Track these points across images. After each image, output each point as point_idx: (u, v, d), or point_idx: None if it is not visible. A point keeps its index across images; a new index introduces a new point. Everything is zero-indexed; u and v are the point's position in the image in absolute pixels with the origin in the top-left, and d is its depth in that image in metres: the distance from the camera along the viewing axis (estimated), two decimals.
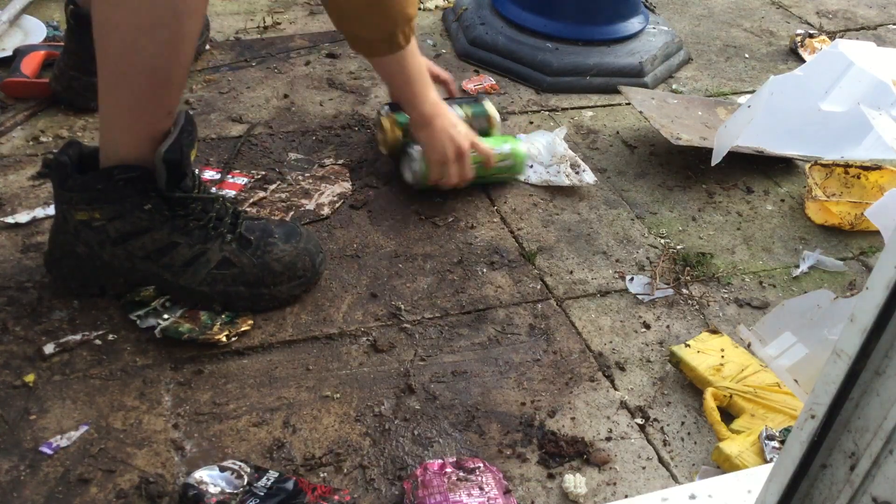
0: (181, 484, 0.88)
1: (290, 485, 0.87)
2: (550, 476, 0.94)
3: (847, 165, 1.47)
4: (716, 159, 1.41)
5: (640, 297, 1.21)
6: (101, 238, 1.04)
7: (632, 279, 1.24)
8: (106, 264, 1.06)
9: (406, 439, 0.97)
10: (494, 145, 1.36)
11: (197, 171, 1.09)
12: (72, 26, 1.39)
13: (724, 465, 0.95)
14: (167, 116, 1.02)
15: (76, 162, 1.03)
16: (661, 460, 0.98)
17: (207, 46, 1.70)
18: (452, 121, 1.29)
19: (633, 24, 1.81)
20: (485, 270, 1.23)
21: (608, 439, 1.00)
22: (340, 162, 1.42)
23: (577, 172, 1.42)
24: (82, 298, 1.09)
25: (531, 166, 1.44)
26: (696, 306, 1.21)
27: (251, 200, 1.30)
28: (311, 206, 1.31)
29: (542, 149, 1.45)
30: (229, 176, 1.35)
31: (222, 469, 0.87)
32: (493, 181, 1.40)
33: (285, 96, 1.59)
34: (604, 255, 1.29)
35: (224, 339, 1.05)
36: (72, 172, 1.02)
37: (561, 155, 1.44)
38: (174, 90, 1.01)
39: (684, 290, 1.24)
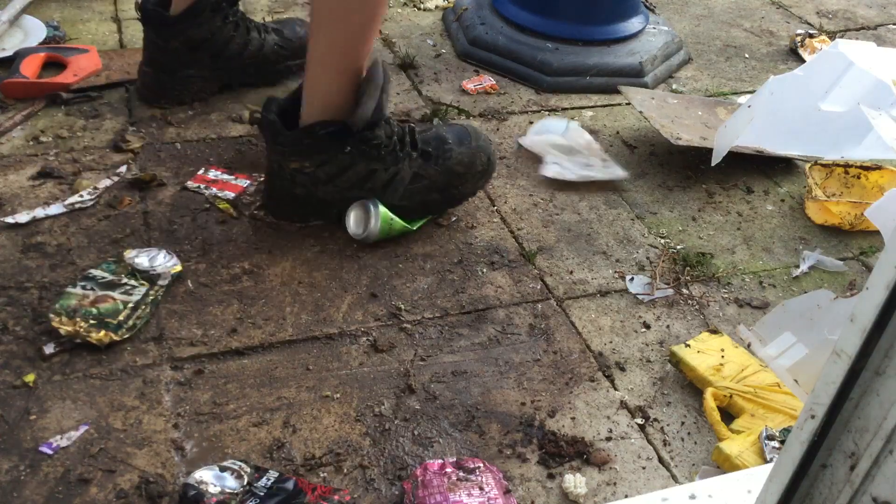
0: (181, 484, 0.88)
1: (290, 485, 0.87)
2: (550, 476, 0.94)
3: (847, 165, 1.47)
4: (716, 159, 1.41)
5: (640, 297, 1.21)
6: (314, 180, 1.21)
7: (632, 279, 1.24)
8: (320, 200, 1.23)
9: (406, 439, 0.97)
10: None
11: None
12: (142, 20, 1.45)
13: (724, 465, 0.95)
14: (365, 57, 1.18)
15: (280, 115, 1.19)
16: (661, 460, 0.98)
17: None
18: None
19: (633, 24, 1.81)
20: (485, 270, 1.23)
21: (608, 439, 1.00)
22: None
23: (606, 166, 1.44)
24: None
25: (556, 163, 1.44)
26: (696, 306, 1.21)
27: (258, 203, 1.30)
28: None
29: (551, 139, 1.46)
30: (232, 177, 1.35)
31: (222, 469, 0.88)
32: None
33: None
34: (604, 255, 1.29)
35: (102, 339, 1.03)
36: (281, 129, 1.18)
37: (587, 142, 1.46)
38: (375, 30, 1.19)
39: (684, 290, 1.24)
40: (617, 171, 1.44)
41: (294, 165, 1.20)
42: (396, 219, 1.23)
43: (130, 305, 1.08)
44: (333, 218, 1.26)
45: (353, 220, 1.25)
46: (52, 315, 1.05)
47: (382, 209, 1.22)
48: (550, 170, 1.43)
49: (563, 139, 1.46)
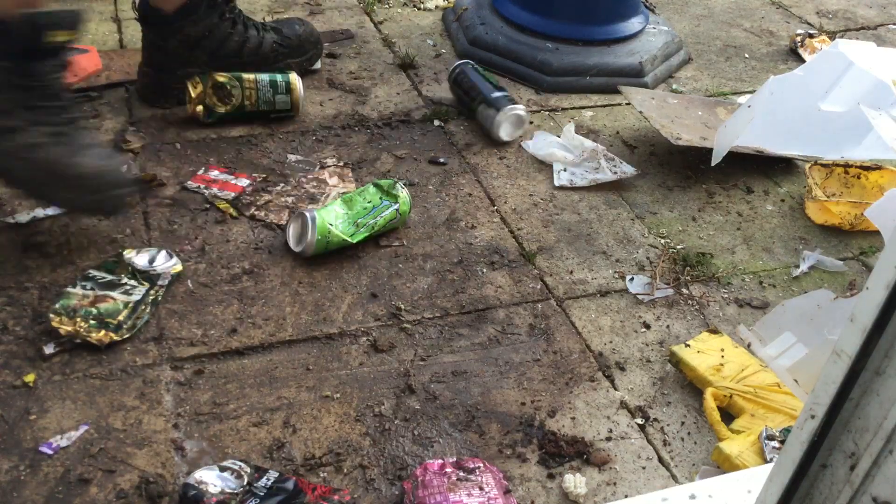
0: (181, 484, 0.88)
1: (290, 485, 0.87)
2: (550, 476, 0.94)
3: (847, 165, 1.47)
4: (716, 159, 1.41)
5: (640, 297, 1.21)
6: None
7: (632, 279, 1.24)
8: None
9: (406, 439, 0.97)
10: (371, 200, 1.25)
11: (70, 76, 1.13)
12: (139, 20, 1.45)
13: (724, 465, 0.95)
14: None
15: None
16: (661, 460, 0.98)
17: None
18: None
19: (633, 24, 1.81)
20: (485, 270, 1.23)
21: (608, 439, 1.00)
22: (342, 163, 1.42)
23: (614, 164, 1.44)
24: None
25: (564, 170, 1.44)
26: (696, 306, 1.21)
27: (258, 203, 1.30)
28: (318, 208, 1.31)
29: (556, 149, 1.46)
30: (232, 177, 1.35)
31: (222, 469, 0.87)
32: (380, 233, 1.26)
33: None
34: (604, 255, 1.29)
35: (101, 339, 1.03)
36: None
37: (591, 149, 1.45)
38: None
39: (684, 290, 1.24)
40: (625, 168, 1.44)
41: None
42: (335, 232, 1.19)
43: (130, 305, 1.08)
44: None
45: (291, 233, 1.21)
46: (52, 315, 1.05)
47: (320, 222, 1.17)
48: (562, 178, 1.43)
49: (567, 147, 1.46)
